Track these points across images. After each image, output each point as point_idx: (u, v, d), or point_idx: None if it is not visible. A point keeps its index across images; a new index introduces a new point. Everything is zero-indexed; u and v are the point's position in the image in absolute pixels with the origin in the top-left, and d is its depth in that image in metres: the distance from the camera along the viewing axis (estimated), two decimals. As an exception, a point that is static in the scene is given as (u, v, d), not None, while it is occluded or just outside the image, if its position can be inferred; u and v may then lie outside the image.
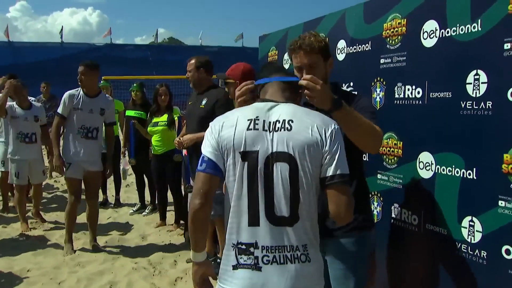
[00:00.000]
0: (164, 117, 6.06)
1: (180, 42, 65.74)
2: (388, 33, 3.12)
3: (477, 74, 2.50)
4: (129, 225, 6.61)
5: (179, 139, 4.71)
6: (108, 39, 37.64)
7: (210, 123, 2.03)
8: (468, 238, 2.57)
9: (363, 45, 3.36)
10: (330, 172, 1.86)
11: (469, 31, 2.55)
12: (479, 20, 2.48)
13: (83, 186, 5.54)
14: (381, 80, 3.19)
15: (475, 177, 2.53)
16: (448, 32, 2.69)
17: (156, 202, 6.92)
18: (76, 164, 5.27)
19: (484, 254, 2.48)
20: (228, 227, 1.96)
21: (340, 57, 3.61)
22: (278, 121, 1.90)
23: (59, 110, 5.33)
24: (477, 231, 2.52)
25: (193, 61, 4.65)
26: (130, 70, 25.81)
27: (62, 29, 37.79)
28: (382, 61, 3.17)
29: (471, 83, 2.53)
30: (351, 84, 3.48)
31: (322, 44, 2.43)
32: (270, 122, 1.91)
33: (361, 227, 2.52)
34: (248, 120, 1.92)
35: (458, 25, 2.62)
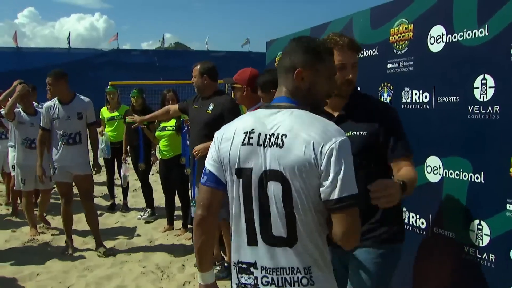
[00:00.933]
0: (172, 122, 6.10)
1: (187, 47, 65.90)
2: (395, 38, 3.14)
3: (484, 78, 2.51)
4: (136, 230, 6.64)
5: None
6: (115, 44, 37.72)
7: (215, 134, 1.94)
8: (476, 241, 2.57)
9: (370, 50, 3.38)
10: (335, 195, 1.64)
11: (476, 36, 2.57)
12: (486, 25, 2.50)
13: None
14: (388, 84, 3.21)
15: (483, 181, 2.54)
16: (455, 37, 2.71)
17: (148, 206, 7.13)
18: (63, 169, 5.41)
19: (493, 258, 2.49)
20: (232, 245, 1.90)
21: (347, 62, 3.63)
22: (273, 134, 1.73)
23: (41, 123, 5.49)
24: (485, 234, 2.52)
25: (197, 67, 4.67)
26: (137, 75, 25.86)
27: (69, 35, 37.96)
28: (389, 66, 3.19)
29: (478, 88, 2.55)
30: (359, 88, 3.49)
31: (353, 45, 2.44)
32: (266, 135, 1.75)
33: (392, 239, 2.43)
34: (244, 133, 1.80)
35: (465, 30, 2.63)
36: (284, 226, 1.73)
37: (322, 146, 1.66)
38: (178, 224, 6.56)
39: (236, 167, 1.80)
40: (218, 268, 4.86)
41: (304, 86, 1.84)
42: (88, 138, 5.64)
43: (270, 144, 1.73)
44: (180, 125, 6.03)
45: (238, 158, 1.79)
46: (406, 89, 3.06)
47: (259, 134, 1.77)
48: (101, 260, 5.34)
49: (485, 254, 2.53)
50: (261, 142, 1.75)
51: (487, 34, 2.50)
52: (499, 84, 2.44)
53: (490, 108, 2.48)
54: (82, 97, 5.63)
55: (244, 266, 1.83)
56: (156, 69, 32.47)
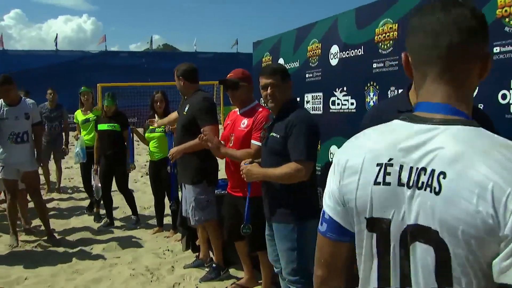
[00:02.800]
0: (162, 124, 6.09)
1: (175, 48, 65.80)
2: (380, 37, 3.17)
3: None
4: (126, 232, 6.61)
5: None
6: (103, 46, 37.62)
7: (335, 156, 1.31)
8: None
9: (356, 50, 3.41)
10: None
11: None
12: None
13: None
14: (374, 84, 3.23)
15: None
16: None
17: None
18: (9, 166, 5.75)
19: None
20: None
21: (333, 62, 3.66)
22: (423, 170, 1.07)
23: None
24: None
25: (175, 70, 4.74)
26: (125, 77, 25.79)
27: (56, 37, 37.71)
28: (374, 65, 3.22)
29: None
30: (345, 88, 3.52)
31: None
32: (411, 169, 1.10)
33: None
34: (377, 165, 1.16)
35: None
36: None
37: (509, 195, 0.95)
38: (167, 226, 6.55)
39: (367, 215, 1.19)
40: (207, 269, 4.86)
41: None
42: (33, 136, 5.94)
43: (419, 185, 1.08)
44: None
45: (370, 203, 1.17)
46: (392, 88, 3.08)
47: (401, 167, 1.12)
48: (90, 263, 5.32)
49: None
50: (404, 181, 1.11)
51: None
52: (482, 83, 2.45)
53: (478, 105, 2.51)
54: (27, 99, 6.04)
55: None
56: (144, 70, 32.41)
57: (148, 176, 6.83)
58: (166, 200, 6.37)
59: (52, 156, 8.94)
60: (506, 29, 2.36)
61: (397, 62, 3.05)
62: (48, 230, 6.14)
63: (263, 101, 3.67)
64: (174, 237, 6.19)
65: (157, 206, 6.54)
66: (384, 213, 1.15)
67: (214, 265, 4.77)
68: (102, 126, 6.65)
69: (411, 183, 1.09)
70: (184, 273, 4.91)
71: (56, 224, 6.83)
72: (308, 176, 3.14)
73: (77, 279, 4.89)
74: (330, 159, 3.72)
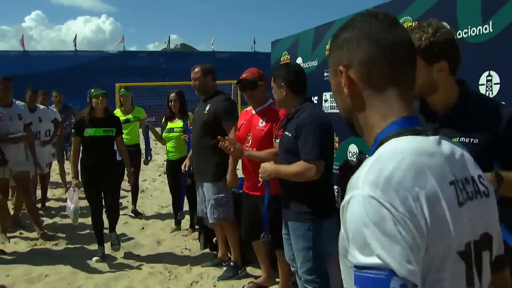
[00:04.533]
0: (179, 124, 6.12)
1: (192, 48, 66.09)
2: (399, 36, 3.13)
3: (489, 75, 2.51)
4: (144, 230, 6.66)
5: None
6: (121, 47, 37.94)
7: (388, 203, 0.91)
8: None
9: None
10: (500, 249, 1.15)
11: (481, 32, 2.56)
12: (490, 22, 2.49)
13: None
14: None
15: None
16: (459, 34, 2.70)
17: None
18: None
19: None
20: None
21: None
22: (467, 180, 1.07)
23: None
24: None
25: (197, 68, 4.73)
26: (143, 77, 25.99)
27: (75, 38, 38.15)
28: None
29: (483, 84, 2.54)
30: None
31: (423, 46, 1.94)
32: (462, 181, 1.05)
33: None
34: (450, 183, 1.02)
35: (469, 27, 2.63)
36: None
37: None
38: (185, 224, 6.57)
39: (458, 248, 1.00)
40: (224, 268, 4.87)
41: None
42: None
43: (471, 195, 1.06)
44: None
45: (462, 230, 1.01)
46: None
47: (459, 182, 1.05)
48: (109, 262, 5.37)
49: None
50: (463, 198, 1.03)
51: (491, 30, 2.50)
52: (504, 81, 2.43)
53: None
54: (18, 101, 6.16)
55: None
56: (162, 70, 32.60)
57: (166, 175, 6.86)
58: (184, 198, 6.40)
59: (66, 156, 9.04)
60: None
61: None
62: (38, 227, 6.27)
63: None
64: (191, 236, 6.22)
65: (175, 205, 6.57)
66: (465, 238, 1.02)
67: (231, 263, 4.78)
68: (94, 132, 5.44)
69: (465, 197, 1.03)
70: (201, 272, 4.93)
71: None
72: (319, 175, 3.14)
73: (96, 277, 4.94)
74: (349, 158, 3.70)
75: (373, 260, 0.87)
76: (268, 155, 3.69)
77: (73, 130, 5.44)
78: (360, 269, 0.88)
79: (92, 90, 5.29)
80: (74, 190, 5.37)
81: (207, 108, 4.56)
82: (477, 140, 1.94)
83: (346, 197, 0.96)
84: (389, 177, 0.93)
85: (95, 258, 5.35)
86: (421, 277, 0.90)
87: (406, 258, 0.87)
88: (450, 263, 0.97)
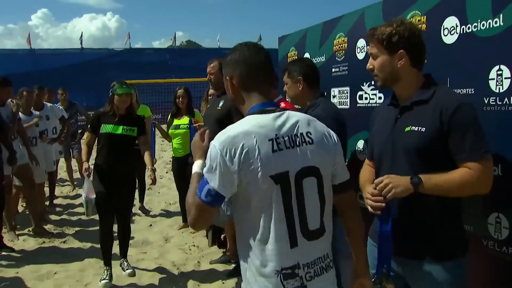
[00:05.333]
0: (186, 120, 6.12)
1: (198, 45, 66.06)
2: (408, 30, 3.10)
3: (499, 69, 2.47)
4: (152, 228, 6.68)
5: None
6: (127, 44, 37.98)
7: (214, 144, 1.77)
8: (495, 235, 2.54)
9: (383, 43, 3.35)
10: (344, 177, 1.97)
11: (491, 26, 2.52)
12: (501, 15, 2.46)
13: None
14: (402, 77, 3.17)
15: (500, 173, 2.50)
16: (469, 28, 2.67)
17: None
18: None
19: (512, 251, 2.45)
20: (266, 254, 1.77)
21: (360, 56, 3.61)
22: (295, 135, 1.82)
23: None
24: (504, 227, 2.49)
25: (215, 63, 4.66)
26: (149, 74, 26.01)
27: (82, 36, 38.21)
28: (403, 58, 3.15)
29: (494, 79, 2.51)
30: (373, 82, 3.47)
31: (383, 36, 2.21)
32: (286, 137, 1.79)
33: (453, 252, 2.22)
34: (269, 140, 1.76)
35: (479, 20, 2.59)
36: (318, 218, 1.84)
37: (332, 134, 1.96)
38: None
39: (272, 173, 1.75)
40: (233, 265, 4.86)
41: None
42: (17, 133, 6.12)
43: (298, 143, 1.82)
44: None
45: (273, 164, 1.75)
46: (420, 81, 3.02)
47: (284, 138, 1.80)
48: (118, 258, 5.38)
49: (504, 248, 2.49)
50: (289, 145, 1.81)
51: (501, 24, 2.46)
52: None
53: (506, 99, 2.44)
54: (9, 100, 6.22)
55: (289, 271, 1.78)
56: (169, 67, 32.55)
57: (173, 172, 6.87)
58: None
59: (72, 154, 9.06)
60: None
61: (426, 55, 2.98)
62: (36, 222, 6.38)
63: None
64: (199, 233, 6.21)
65: (182, 202, 6.58)
66: (282, 168, 1.75)
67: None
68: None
69: (293, 144, 1.79)
70: (210, 269, 4.94)
71: (82, 220, 6.92)
72: None
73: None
74: (357, 153, 3.67)
75: (206, 176, 1.76)
76: None
77: (88, 126, 4.87)
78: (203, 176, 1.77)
79: (116, 85, 4.72)
80: (86, 178, 4.67)
81: (221, 104, 4.50)
82: (424, 129, 2.13)
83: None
84: (229, 135, 1.74)
85: (102, 282, 4.64)
86: (231, 192, 1.77)
87: (220, 181, 1.72)
88: (261, 184, 1.72)
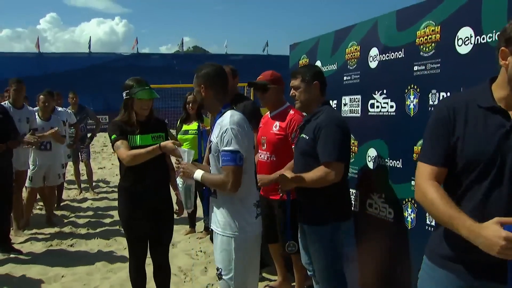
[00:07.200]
0: (194, 126, 6.14)
1: (205, 50, 66.27)
2: (421, 40, 3.11)
3: (515, 81, 2.46)
4: (159, 232, 6.67)
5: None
6: (135, 49, 38.18)
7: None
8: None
9: (396, 53, 3.36)
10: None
11: (506, 37, 2.52)
12: (517, 26, 2.46)
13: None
14: (415, 87, 3.18)
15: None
16: (483, 39, 2.67)
17: None
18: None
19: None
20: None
21: (373, 64, 3.61)
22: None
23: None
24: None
25: (227, 69, 4.68)
26: (156, 79, 26.08)
27: (90, 40, 38.48)
28: (415, 68, 3.16)
29: (508, 90, 2.50)
30: (385, 91, 3.48)
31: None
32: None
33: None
34: None
35: (494, 31, 2.59)
36: None
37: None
38: (200, 227, 6.58)
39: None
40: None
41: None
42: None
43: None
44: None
45: None
46: (433, 91, 3.03)
47: None
48: (125, 262, 5.38)
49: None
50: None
51: (517, 35, 2.46)
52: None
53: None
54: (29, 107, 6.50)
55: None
56: (175, 72, 32.68)
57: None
58: (199, 201, 6.39)
59: (80, 158, 9.09)
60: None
61: (439, 65, 2.99)
62: (17, 225, 6.48)
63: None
64: (206, 238, 6.22)
65: (190, 207, 6.56)
66: None
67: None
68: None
69: None
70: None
71: (90, 224, 6.94)
72: (340, 177, 3.14)
73: (112, 277, 4.97)
74: (368, 162, 3.67)
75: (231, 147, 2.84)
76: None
77: (113, 136, 3.61)
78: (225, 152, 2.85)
79: (134, 85, 3.68)
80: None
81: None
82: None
83: (223, 129, 2.88)
84: (235, 120, 2.90)
85: None
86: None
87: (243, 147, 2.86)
88: (250, 153, 2.99)
